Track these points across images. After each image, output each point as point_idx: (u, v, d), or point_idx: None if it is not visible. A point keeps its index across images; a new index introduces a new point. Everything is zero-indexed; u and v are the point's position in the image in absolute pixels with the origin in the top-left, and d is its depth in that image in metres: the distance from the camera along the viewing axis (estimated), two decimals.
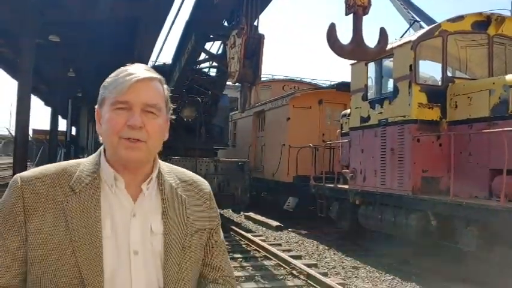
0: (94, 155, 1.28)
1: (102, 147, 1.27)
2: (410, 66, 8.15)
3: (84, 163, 1.25)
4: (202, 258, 1.32)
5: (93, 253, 1.11)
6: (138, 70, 1.21)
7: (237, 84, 8.05)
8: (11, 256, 1.14)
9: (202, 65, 12.09)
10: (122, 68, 1.23)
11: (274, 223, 11.69)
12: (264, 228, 11.70)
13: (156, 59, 16.36)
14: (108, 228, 1.15)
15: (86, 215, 1.13)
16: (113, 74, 1.24)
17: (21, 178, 1.20)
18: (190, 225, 1.27)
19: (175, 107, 1.33)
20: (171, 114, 1.31)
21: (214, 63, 11.83)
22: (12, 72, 15.64)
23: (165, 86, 1.28)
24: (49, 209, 1.15)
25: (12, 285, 1.14)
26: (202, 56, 11.52)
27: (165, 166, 1.33)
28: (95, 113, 1.26)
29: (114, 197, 1.18)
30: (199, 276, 1.33)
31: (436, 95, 8.17)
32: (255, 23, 7.41)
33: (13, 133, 10.35)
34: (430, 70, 9.02)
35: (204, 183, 1.41)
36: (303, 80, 19.57)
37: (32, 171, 1.23)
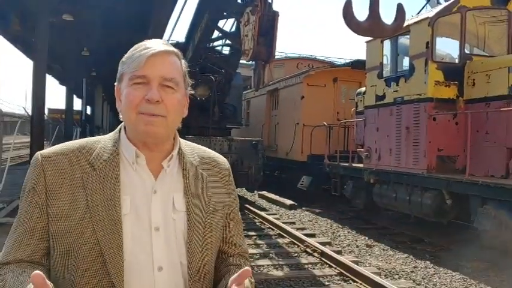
0: (113, 132, 1.27)
1: (122, 124, 1.26)
2: (427, 43, 8.00)
3: (104, 140, 1.25)
4: (221, 236, 1.32)
5: (112, 229, 1.11)
6: (154, 44, 1.19)
7: (250, 62, 8.00)
8: (33, 232, 1.16)
9: (216, 43, 12.03)
10: (140, 43, 1.22)
11: (288, 202, 11.74)
12: (278, 207, 11.76)
13: (170, 37, 16.27)
14: (128, 204, 1.15)
15: (105, 192, 1.14)
16: (130, 49, 1.22)
17: (41, 155, 1.20)
18: (211, 203, 1.27)
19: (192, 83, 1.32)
20: (190, 90, 1.29)
21: (228, 41, 11.76)
22: (28, 51, 15.73)
23: (183, 61, 1.26)
24: (69, 185, 1.15)
25: (33, 261, 1.15)
26: (216, 34, 11.45)
27: (185, 144, 1.33)
28: (115, 89, 1.25)
29: (134, 174, 1.18)
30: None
31: (453, 72, 8.04)
32: (269, 0, 7.32)
33: (29, 112, 10.46)
34: (447, 47, 8.85)
35: (224, 162, 1.40)
36: (317, 57, 19.34)
37: (52, 149, 1.23)
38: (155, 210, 1.17)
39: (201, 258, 1.21)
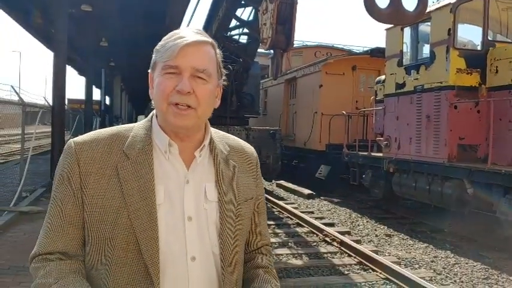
0: (145, 120, 1.26)
1: (153, 112, 1.24)
2: (449, 30, 7.84)
3: (136, 128, 1.23)
4: (249, 226, 1.32)
5: (148, 218, 1.10)
6: (189, 33, 1.17)
7: (268, 51, 7.95)
8: (68, 221, 1.15)
9: (233, 32, 11.98)
10: (174, 31, 1.20)
11: (306, 191, 11.73)
12: (296, 196, 11.76)
13: (187, 26, 16.25)
14: (162, 194, 1.14)
15: (140, 181, 1.13)
16: (165, 37, 1.20)
17: (75, 143, 1.19)
18: (241, 193, 1.26)
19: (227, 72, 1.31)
20: (224, 80, 1.28)
21: (246, 30, 11.70)
22: (48, 43, 15.90)
23: (218, 51, 1.25)
24: (104, 174, 1.14)
25: (69, 250, 1.15)
26: (234, 22, 11.40)
27: (214, 133, 1.32)
28: (148, 77, 1.23)
29: (167, 163, 1.17)
30: None
31: (476, 59, 7.88)
32: None
33: (50, 102, 10.61)
34: (469, 34, 8.66)
35: (253, 151, 1.39)
36: (335, 46, 19.11)
37: (85, 136, 1.21)
38: (188, 200, 1.16)
39: (233, 248, 1.20)
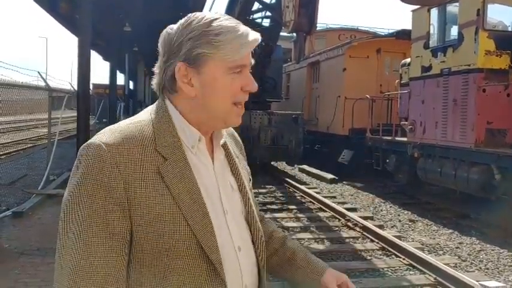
0: (152, 112, 1.12)
1: (171, 106, 1.12)
2: (478, 10, 7.60)
3: (155, 123, 1.10)
4: None
5: (204, 220, 1.06)
6: (246, 29, 1.10)
7: (291, 34, 7.86)
8: (117, 238, 0.99)
9: (256, 16, 11.88)
10: (224, 23, 1.08)
11: (329, 176, 11.67)
12: (318, 181, 11.72)
13: (210, 10, 16.18)
14: (204, 191, 1.09)
15: (185, 182, 1.05)
16: (214, 28, 1.07)
17: (106, 145, 1.01)
18: (246, 179, 1.25)
19: None
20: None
21: (268, 13, 11.59)
22: (73, 28, 16.08)
23: None
24: (148, 178, 1.02)
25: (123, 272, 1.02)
26: (256, 6, 11.31)
27: None
28: (178, 69, 1.07)
29: (196, 159, 1.11)
30: None
31: (506, 41, 7.64)
32: None
33: (75, 87, 10.77)
34: (500, 15, 8.37)
35: (237, 134, 1.38)
36: (359, 28, 18.74)
37: (111, 136, 1.04)
38: (223, 194, 1.14)
39: (260, 234, 1.20)
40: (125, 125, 1.08)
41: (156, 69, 1.14)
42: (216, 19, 1.08)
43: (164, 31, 1.12)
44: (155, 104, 1.15)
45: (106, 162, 0.99)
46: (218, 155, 1.18)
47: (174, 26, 1.11)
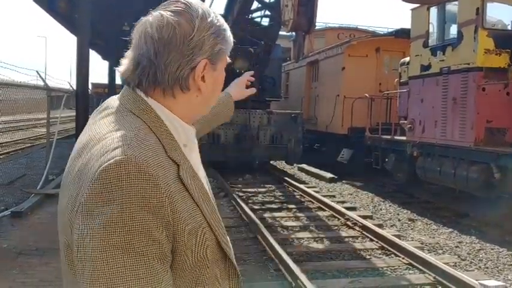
0: (139, 113, 0.99)
1: (153, 101, 1.01)
2: (477, 9, 7.59)
3: (149, 126, 0.99)
4: None
5: (219, 221, 1.03)
6: (221, 18, 1.08)
7: (290, 33, 7.85)
8: (167, 262, 0.91)
9: (255, 15, 11.88)
10: (207, 9, 1.04)
11: (328, 175, 11.65)
12: (318, 180, 11.70)
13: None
14: (208, 189, 1.07)
15: (197, 185, 1.01)
16: (222, 22, 1.05)
17: (141, 160, 0.88)
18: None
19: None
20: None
21: (267, 12, 11.57)
22: (71, 28, 16.05)
23: None
24: (179, 189, 0.94)
25: None
26: (255, 5, 11.29)
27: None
28: (202, 67, 1.01)
29: (191, 157, 1.06)
30: None
31: (505, 40, 7.63)
32: None
33: (74, 87, 10.76)
34: (499, 13, 8.36)
35: None
36: (358, 27, 18.73)
37: (135, 149, 0.90)
38: (208, 186, 1.11)
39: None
40: (135, 134, 0.93)
41: (131, 59, 1.02)
42: (213, 12, 1.06)
43: (165, 20, 0.99)
44: (129, 100, 1.02)
45: (151, 180, 0.87)
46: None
47: (176, 17, 0.99)
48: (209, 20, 1.02)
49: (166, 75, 0.99)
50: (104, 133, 0.95)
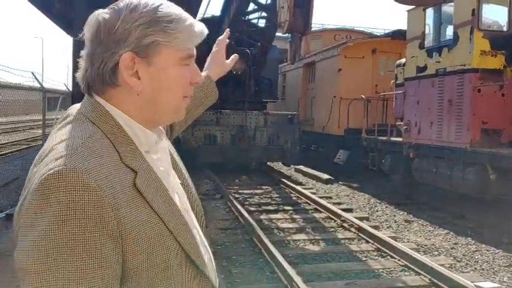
0: (94, 118, 0.96)
1: (110, 106, 0.97)
2: (473, 10, 7.60)
3: (105, 132, 0.94)
4: None
5: (186, 229, 0.99)
6: (192, 18, 1.02)
7: (286, 34, 7.85)
8: (116, 277, 0.86)
9: (251, 16, 11.88)
10: (173, 8, 0.98)
11: (325, 176, 11.64)
12: (314, 181, 11.69)
13: (205, 11, 16.15)
14: (174, 196, 1.02)
15: (160, 193, 0.96)
16: (166, 14, 0.96)
17: (82, 170, 0.83)
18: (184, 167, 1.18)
19: None
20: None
21: (264, 14, 11.58)
22: (67, 28, 16.02)
23: None
24: (130, 199, 0.89)
25: None
26: (251, 6, 11.29)
27: None
28: (125, 60, 0.94)
29: (155, 163, 1.01)
30: None
31: (501, 41, 7.64)
32: None
33: (70, 88, 10.73)
34: (495, 14, 8.38)
35: None
36: (355, 28, 18.74)
37: (80, 158, 0.85)
38: (181, 192, 1.08)
39: (204, 223, 1.16)
40: (83, 142, 0.89)
41: (82, 61, 0.98)
42: (161, 4, 0.97)
43: (95, 16, 0.96)
44: (87, 107, 0.98)
45: (91, 190, 0.82)
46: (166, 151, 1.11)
47: (108, 11, 0.96)
48: (139, 10, 0.94)
49: (93, 73, 0.96)
50: (55, 143, 0.91)
